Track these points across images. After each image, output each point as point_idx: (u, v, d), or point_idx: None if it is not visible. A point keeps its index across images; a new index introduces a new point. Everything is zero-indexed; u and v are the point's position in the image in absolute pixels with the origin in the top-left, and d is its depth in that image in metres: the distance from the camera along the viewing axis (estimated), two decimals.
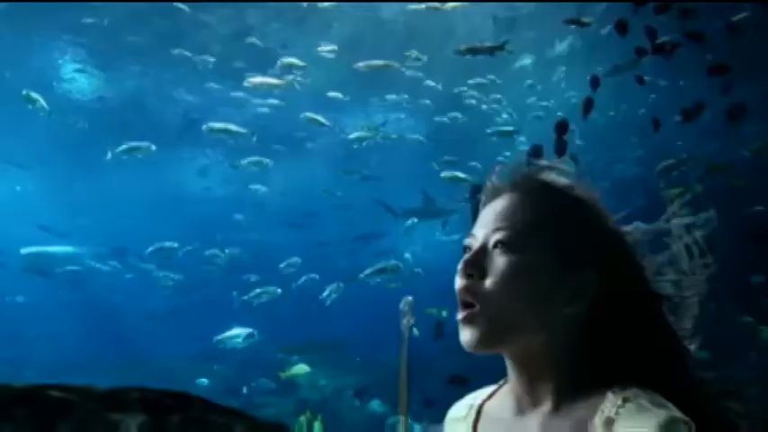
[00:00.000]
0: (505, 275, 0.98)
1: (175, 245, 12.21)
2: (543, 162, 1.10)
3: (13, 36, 9.67)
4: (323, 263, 12.51)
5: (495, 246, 1.00)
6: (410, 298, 1.24)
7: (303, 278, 11.56)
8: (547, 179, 1.06)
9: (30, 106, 8.76)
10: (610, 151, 11.88)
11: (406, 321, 1.22)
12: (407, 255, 12.39)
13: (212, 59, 10.08)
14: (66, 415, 2.91)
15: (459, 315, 1.01)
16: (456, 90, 10.69)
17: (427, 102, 11.32)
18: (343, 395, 12.43)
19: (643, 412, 0.88)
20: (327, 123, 9.77)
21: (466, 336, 1.00)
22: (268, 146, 12.83)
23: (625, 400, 0.91)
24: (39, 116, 10.91)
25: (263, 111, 10.94)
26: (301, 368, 9.33)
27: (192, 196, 14.68)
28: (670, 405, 0.89)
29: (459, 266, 1.03)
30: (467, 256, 1.03)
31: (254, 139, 9.89)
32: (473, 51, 8.12)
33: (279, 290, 10.33)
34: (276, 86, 9.31)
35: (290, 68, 9.21)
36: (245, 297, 10.30)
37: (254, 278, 14.43)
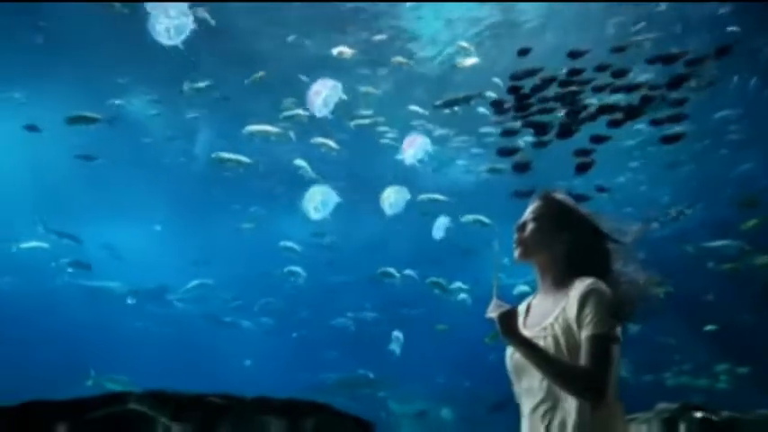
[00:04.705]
0: (532, 231, 2.21)
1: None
2: (553, 188, 2.36)
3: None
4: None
5: (530, 220, 2.23)
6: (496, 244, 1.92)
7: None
8: (552, 195, 2.29)
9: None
10: None
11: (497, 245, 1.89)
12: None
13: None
14: (224, 417, 3.47)
15: (515, 244, 2.23)
16: None
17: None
18: (427, 415, 12.71)
19: (588, 281, 2.02)
20: (336, 147, 9.86)
21: (516, 253, 2.22)
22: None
23: (581, 281, 2.04)
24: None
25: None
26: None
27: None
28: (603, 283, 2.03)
29: (515, 227, 2.24)
30: (518, 223, 2.25)
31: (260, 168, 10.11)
32: (450, 104, 8.09)
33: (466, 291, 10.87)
34: (273, 134, 9.68)
35: (293, 118, 9.60)
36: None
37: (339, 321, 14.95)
